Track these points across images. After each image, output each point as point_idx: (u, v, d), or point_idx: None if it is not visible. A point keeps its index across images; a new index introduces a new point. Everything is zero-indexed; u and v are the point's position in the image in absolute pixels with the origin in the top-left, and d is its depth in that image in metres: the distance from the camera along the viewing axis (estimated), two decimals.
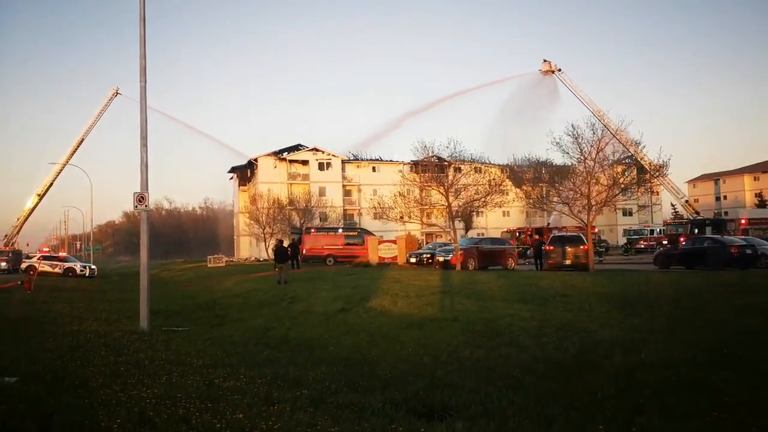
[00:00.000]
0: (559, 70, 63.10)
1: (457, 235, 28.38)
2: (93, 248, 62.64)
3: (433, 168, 31.47)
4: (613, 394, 5.79)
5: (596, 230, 44.56)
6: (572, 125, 22.16)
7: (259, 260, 52.42)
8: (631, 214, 62.04)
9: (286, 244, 26.93)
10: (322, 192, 61.67)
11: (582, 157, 22.11)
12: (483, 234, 57.29)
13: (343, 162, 69.74)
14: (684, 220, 50.06)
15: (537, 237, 33.76)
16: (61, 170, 62.95)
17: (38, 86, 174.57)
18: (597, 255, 28.72)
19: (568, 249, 24.80)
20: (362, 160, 71.21)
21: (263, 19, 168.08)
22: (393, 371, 7.76)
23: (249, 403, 5.91)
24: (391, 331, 10.83)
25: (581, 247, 24.37)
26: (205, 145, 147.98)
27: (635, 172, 28.26)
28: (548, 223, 54.95)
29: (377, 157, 71.95)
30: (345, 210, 67.46)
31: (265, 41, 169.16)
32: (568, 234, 29.04)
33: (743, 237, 28.13)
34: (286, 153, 68.98)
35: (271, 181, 63.66)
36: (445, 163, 31.92)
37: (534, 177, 38.21)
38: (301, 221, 48.02)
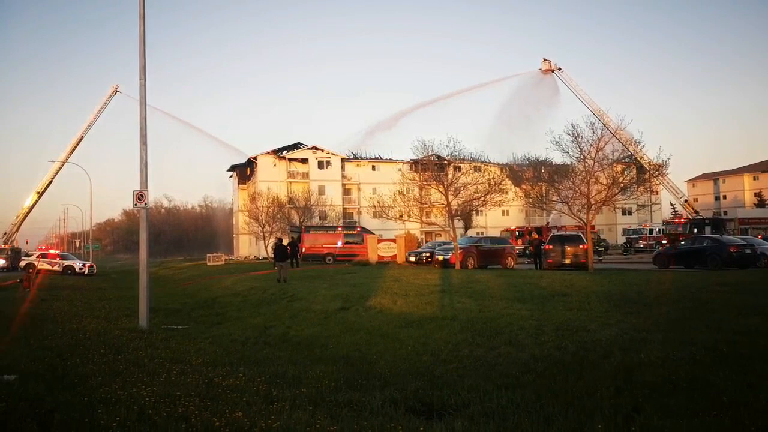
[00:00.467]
0: (559, 69, 63.08)
1: (457, 234, 28.37)
2: (92, 246, 62.65)
3: (432, 167, 31.48)
4: (612, 393, 5.79)
5: (596, 229, 44.62)
6: (572, 124, 22.17)
7: (258, 259, 52.41)
8: (630, 213, 61.96)
9: (285, 242, 26.90)
10: (321, 190, 61.72)
11: (581, 157, 22.10)
12: (482, 233, 57.32)
13: (343, 161, 69.72)
14: (684, 219, 50.09)
15: (536, 236, 33.75)
16: (61, 168, 63.03)
17: (38, 84, 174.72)
18: (596, 254, 28.71)
19: (568, 248, 24.83)
20: (362, 158, 71.18)
21: (263, 19, 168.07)
22: (392, 370, 7.77)
23: (248, 401, 5.90)
24: (390, 329, 10.82)
25: (580, 246, 24.39)
26: (205, 143, 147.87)
27: (635, 171, 28.26)
28: (548, 222, 54.99)
29: (377, 156, 71.89)
30: (344, 209, 67.46)
31: (265, 40, 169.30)
32: (568, 233, 29.05)
33: (742, 236, 28.18)
34: (286, 151, 68.96)
35: (271, 179, 63.68)
36: (445, 161, 31.90)
37: (533, 176, 38.16)
38: (301, 220, 48.06)
